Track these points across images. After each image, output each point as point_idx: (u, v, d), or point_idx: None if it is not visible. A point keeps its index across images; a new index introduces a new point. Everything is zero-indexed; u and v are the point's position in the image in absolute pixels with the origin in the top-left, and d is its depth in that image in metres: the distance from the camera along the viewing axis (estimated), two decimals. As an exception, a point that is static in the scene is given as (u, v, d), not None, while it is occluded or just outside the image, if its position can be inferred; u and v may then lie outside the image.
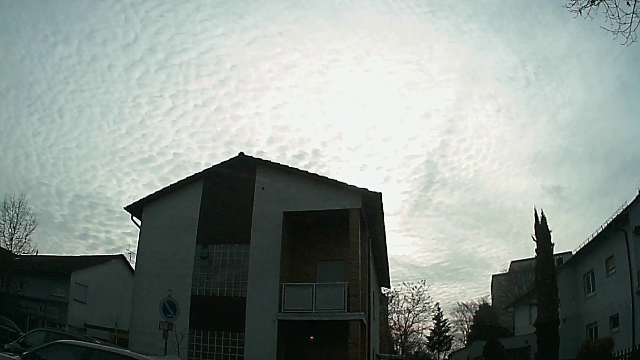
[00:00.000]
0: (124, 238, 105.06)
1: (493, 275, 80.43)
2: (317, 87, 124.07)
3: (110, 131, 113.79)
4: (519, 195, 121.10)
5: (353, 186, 27.83)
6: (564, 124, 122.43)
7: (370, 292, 31.62)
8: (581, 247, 37.21)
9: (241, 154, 30.13)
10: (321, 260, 29.59)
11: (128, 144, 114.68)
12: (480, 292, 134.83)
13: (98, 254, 57.27)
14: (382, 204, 29.07)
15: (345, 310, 25.94)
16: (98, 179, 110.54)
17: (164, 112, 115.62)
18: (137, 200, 31.32)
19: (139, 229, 31.10)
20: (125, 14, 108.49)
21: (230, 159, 30.36)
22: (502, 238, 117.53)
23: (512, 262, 75.19)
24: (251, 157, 30.26)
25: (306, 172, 29.37)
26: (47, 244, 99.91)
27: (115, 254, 55.88)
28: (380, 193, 27.99)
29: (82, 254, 58.79)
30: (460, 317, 79.36)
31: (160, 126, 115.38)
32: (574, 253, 39.93)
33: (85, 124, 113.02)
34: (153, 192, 31.11)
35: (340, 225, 28.06)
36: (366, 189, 27.70)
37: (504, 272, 76.73)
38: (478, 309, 76.36)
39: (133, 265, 43.64)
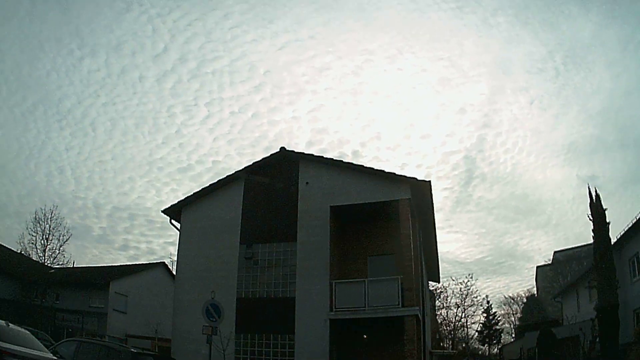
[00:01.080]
0: (166, 248, 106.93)
1: (537, 267, 79.18)
2: (352, 89, 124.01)
3: (146, 142, 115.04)
4: (556, 186, 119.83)
5: (402, 176, 27.03)
6: (594, 112, 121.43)
7: (422, 287, 30.71)
8: (625, 230, 35.94)
9: (282, 149, 29.34)
10: (371, 255, 28.64)
11: (165, 154, 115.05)
12: (523, 285, 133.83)
13: (138, 263, 56.84)
14: (431, 194, 28.16)
15: (400, 306, 24.99)
16: (136, 190, 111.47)
17: (200, 120, 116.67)
18: (175, 202, 30.88)
19: (178, 233, 30.56)
20: (153, 24, 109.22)
21: (271, 155, 29.65)
22: (542, 230, 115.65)
23: (555, 252, 74.08)
24: (293, 151, 29.51)
25: (351, 163, 28.55)
26: (87, 256, 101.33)
27: (155, 260, 55.10)
28: (430, 181, 27.11)
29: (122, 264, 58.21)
30: (507, 310, 78.58)
31: (197, 135, 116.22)
32: (617, 237, 38.58)
33: (119, 136, 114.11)
34: (191, 194, 30.60)
35: (389, 218, 27.22)
36: (415, 178, 26.79)
37: (548, 262, 75.68)
38: (525, 300, 75.44)
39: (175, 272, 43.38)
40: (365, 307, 25.55)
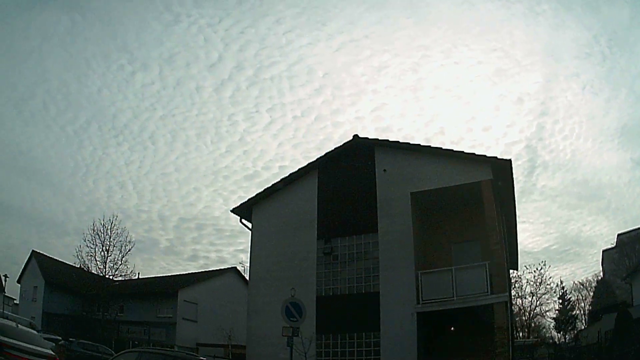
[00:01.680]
0: (236, 255, 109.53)
1: (603, 250, 77.38)
2: (412, 85, 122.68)
3: (209, 151, 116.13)
4: (613, 170, 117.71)
5: (482, 156, 25.50)
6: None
7: (508, 273, 29.12)
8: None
9: (355, 136, 28.18)
10: (455, 242, 27.05)
11: (230, 163, 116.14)
12: (587, 271, 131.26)
13: (207, 270, 55.80)
14: (512, 173, 26.28)
15: (489, 293, 23.34)
16: (203, 200, 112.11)
17: (263, 127, 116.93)
18: (245, 200, 29.95)
19: (250, 233, 29.62)
20: (204, 34, 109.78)
21: (344, 144, 28.45)
22: (602, 214, 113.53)
23: (619, 234, 72.29)
24: (367, 138, 28.20)
25: (429, 146, 27.09)
26: (154, 269, 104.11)
27: (225, 267, 54.40)
28: (510, 160, 25.43)
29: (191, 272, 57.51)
30: (577, 296, 77.10)
31: (261, 141, 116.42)
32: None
33: (181, 148, 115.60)
34: (262, 190, 29.64)
35: (471, 202, 25.71)
36: (495, 157, 25.28)
37: (613, 245, 74.03)
38: (595, 284, 73.86)
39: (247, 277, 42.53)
40: (453, 297, 23.93)
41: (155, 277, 57.35)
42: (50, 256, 60.16)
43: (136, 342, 40.68)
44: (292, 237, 27.93)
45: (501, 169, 25.47)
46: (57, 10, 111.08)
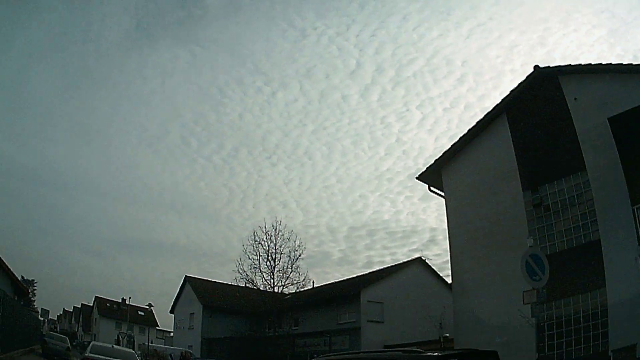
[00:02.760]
0: (411, 255, 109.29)
1: None
2: (543, 60, 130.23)
3: (368, 157, 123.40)
4: None
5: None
6: None
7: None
8: None
9: (536, 67, 26.68)
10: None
11: (391, 165, 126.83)
12: None
13: (390, 265, 53.98)
14: None
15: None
16: (370, 206, 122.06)
17: (416, 124, 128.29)
18: (430, 164, 29.38)
19: (443, 200, 29.04)
20: (336, 44, 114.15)
21: (526, 78, 26.91)
22: None
23: None
24: (548, 67, 26.61)
25: (611, 64, 24.87)
26: (329, 281, 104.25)
27: (410, 258, 52.87)
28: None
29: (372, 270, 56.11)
30: None
31: (418, 138, 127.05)
32: None
33: (339, 158, 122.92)
34: (448, 148, 28.92)
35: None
36: (676, 64, 22.64)
37: None
38: None
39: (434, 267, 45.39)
40: (669, 228, 21.17)
41: (332, 282, 57.27)
42: (206, 279, 61.74)
43: (315, 355, 40.86)
44: (493, 195, 26.69)
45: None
46: (170, 47, 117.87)
